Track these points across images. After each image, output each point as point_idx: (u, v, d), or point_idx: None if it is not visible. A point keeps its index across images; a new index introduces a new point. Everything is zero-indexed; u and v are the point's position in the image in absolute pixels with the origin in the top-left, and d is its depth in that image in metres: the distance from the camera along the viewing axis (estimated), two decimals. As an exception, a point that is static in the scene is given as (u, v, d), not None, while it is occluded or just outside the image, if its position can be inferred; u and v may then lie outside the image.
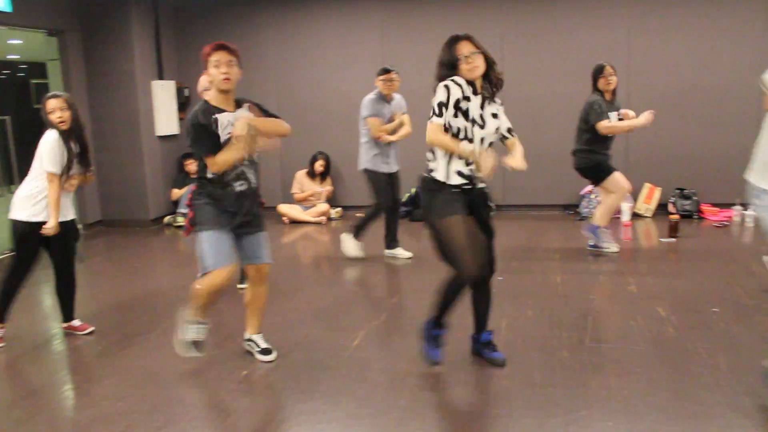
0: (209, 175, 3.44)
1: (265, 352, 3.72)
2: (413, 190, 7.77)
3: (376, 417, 3.05)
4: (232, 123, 3.39)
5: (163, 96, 8.32)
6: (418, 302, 4.48)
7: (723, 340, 3.84)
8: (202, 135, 3.37)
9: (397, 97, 5.89)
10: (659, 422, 2.90)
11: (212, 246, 3.42)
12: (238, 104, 3.55)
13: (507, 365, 3.51)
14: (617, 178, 5.77)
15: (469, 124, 3.28)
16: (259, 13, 8.53)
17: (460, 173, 3.30)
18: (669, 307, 4.42)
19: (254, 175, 3.55)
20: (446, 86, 3.24)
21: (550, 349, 3.63)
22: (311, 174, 8.31)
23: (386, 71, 5.78)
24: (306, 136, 8.41)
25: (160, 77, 8.35)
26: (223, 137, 3.38)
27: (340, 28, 8.38)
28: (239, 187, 3.47)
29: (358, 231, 5.94)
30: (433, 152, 3.36)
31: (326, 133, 8.34)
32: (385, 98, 5.78)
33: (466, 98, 3.26)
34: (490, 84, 3.38)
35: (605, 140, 5.74)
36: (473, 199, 3.36)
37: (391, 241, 6.04)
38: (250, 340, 3.78)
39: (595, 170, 5.81)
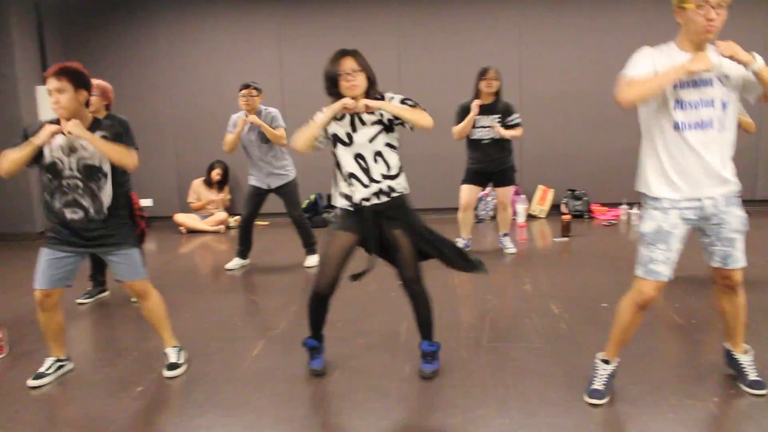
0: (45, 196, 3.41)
1: (171, 367, 3.59)
2: (312, 197, 7.73)
3: (276, 428, 2.99)
4: (64, 146, 3.32)
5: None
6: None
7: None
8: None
9: (272, 112, 5.70)
10: (554, 416, 2.98)
11: (39, 265, 3.39)
12: (98, 126, 3.39)
13: (405, 368, 3.53)
14: (461, 191, 5.91)
15: (336, 150, 3.32)
16: (151, 16, 8.29)
17: (343, 194, 3.35)
18: (562, 304, 4.58)
19: (93, 203, 3.35)
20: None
21: (448, 351, 3.67)
22: (208, 182, 8.14)
23: (244, 87, 5.65)
24: (203, 144, 8.25)
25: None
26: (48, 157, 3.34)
27: (236, 34, 8.25)
28: (71, 214, 3.34)
29: (241, 249, 5.99)
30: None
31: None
32: (247, 115, 5.66)
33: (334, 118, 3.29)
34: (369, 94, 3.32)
35: (476, 148, 5.82)
36: (376, 216, 3.32)
37: (240, 254, 6.02)
38: (165, 352, 3.67)
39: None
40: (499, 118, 5.76)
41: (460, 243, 6.04)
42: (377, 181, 3.29)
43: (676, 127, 2.81)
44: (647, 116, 2.94)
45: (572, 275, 5.44)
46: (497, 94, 5.76)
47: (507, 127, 5.78)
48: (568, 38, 7.93)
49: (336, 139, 3.31)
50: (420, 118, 3.25)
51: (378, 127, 3.30)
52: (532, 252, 6.43)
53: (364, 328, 4.22)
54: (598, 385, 3.11)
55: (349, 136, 3.28)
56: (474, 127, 5.76)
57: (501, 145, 5.83)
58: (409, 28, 7.99)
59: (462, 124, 5.67)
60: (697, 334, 4.04)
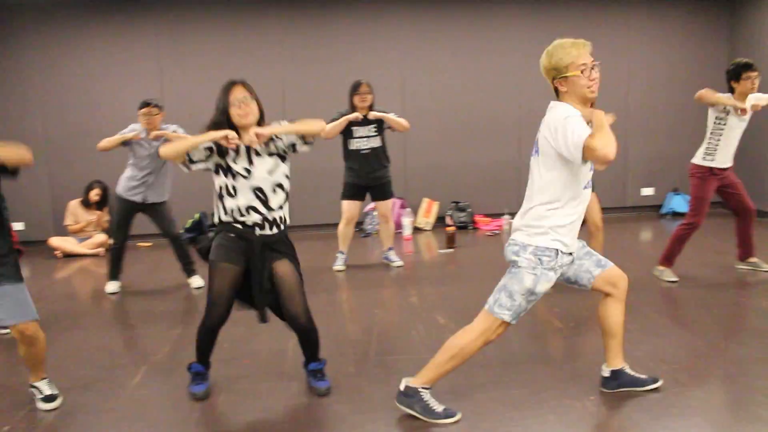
0: None
1: (49, 399, 3.38)
2: (197, 216, 7.54)
3: (158, 457, 2.88)
4: None
5: None
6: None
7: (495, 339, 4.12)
8: None
9: (174, 129, 5.55)
10: (441, 426, 3.03)
11: None
12: None
13: (293, 386, 3.50)
14: (343, 206, 5.98)
15: (229, 180, 3.25)
16: (17, 23, 7.84)
17: (229, 222, 3.30)
18: (447, 314, 4.68)
19: None
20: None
21: (336, 366, 3.67)
22: (86, 203, 7.77)
23: (144, 105, 5.46)
24: (79, 163, 7.89)
25: None
26: None
27: (114, 48, 7.94)
28: None
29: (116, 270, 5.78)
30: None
31: (102, 160, 7.82)
32: (146, 132, 5.48)
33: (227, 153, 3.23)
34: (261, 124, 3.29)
35: (354, 159, 5.86)
36: (264, 247, 3.28)
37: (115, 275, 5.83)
38: (33, 386, 3.43)
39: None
40: (376, 126, 5.84)
41: (340, 258, 6.08)
42: (274, 210, 3.28)
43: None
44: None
45: (457, 286, 5.57)
46: (371, 107, 5.82)
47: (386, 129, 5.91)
48: (450, 54, 8.16)
49: (231, 172, 3.23)
50: (311, 126, 3.29)
51: (275, 159, 3.29)
52: (418, 264, 6.54)
53: (250, 347, 4.15)
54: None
55: (248, 170, 3.23)
56: (352, 137, 5.81)
57: (379, 155, 5.89)
58: (293, 43, 7.98)
59: (335, 123, 5.66)
60: (575, 337, 4.23)
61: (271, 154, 3.28)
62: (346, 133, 5.83)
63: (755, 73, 5.07)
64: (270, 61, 7.89)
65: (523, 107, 7.83)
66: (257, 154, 3.26)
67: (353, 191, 5.99)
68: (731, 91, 5.17)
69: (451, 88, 8.18)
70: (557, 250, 2.93)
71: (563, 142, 2.76)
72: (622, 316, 3.24)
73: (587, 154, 2.68)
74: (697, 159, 5.32)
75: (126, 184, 5.59)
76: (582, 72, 2.83)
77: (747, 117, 5.21)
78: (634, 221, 8.10)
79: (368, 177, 5.90)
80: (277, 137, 3.29)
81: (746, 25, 8.32)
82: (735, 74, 5.12)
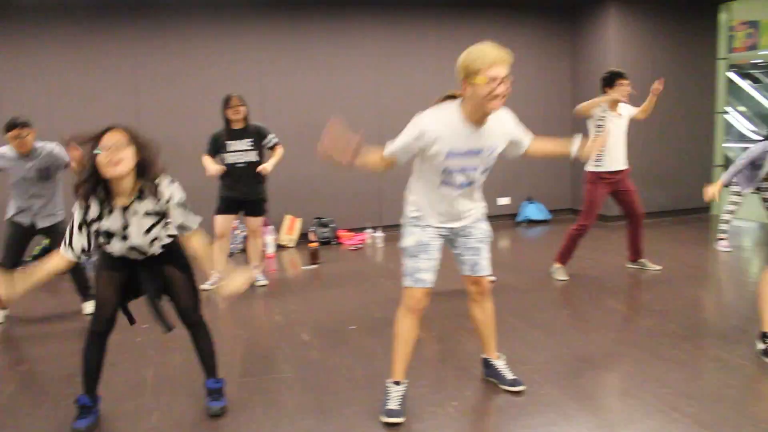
0: None
1: None
2: (46, 242, 7.07)
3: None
4: None
5: None
6: (56, 367, 4.09)
7: (360, 354, 4.15)
8: None
9: (50, 148, 5.07)
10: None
11: None
12: None
13: (153, 416, 3.35)
14: (215, 221, 5.85)
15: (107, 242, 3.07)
16: None
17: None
18: (312, 331, 4.65)
19: None
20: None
21: (198, 391, 3.54)
22: None
23: (10, 127, 4.86)
24: None
25: None
26: None
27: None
28: None
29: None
30: None
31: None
32: (19, 154, 4.98)
33: (98, 218, 3.00)
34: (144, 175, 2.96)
35: (229, 173, 5.73)
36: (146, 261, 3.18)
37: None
38: None
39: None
40: (252, 141, 5.73)
41: (212, 277, 5.90)
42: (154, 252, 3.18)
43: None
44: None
45: (321, 302, 5.56)
46: (246, 119, 5.72)
47: (267, 149, 5.82)
48: (308, 66, 8.14)
49: (108, 235, 3.03)
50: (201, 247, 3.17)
51: (153, 218, 3.06)
52: (282, 282, 6.46)
53: (107, 378, 3.91)
54: (392, 405, 3.20)
55: (125, 231, 3.02)
56: (227, 151, 5.69)
57: (256, 170, 5.78)
58: (147, 61, 7.68)
59: (209, 163, 5.62)
60: (437, 345, 4.33)
61: (148, 213, 3.03)
62: (221, 147, 5.69)
63: (627, 81, 5.52)
64: (123, 81, 7.56)
65: (383, 120, 7.96)
66: (134, 212, 3.00)
67: (228, 205, 5.83)
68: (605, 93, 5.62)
69: (310, 102, 8.17)
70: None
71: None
72: (486, 314, 3.50)
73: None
74: (588, 166, 5.72)
75: (16, 208, 5.13)
76: (488, 83, 2.80)
77: (624, 120, 5.69)
78: (492, 230, 8.34)
79: (243, 192, 5.77)
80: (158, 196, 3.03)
81: (586, 40, 8.93)
82: (609, 81, 5.58)
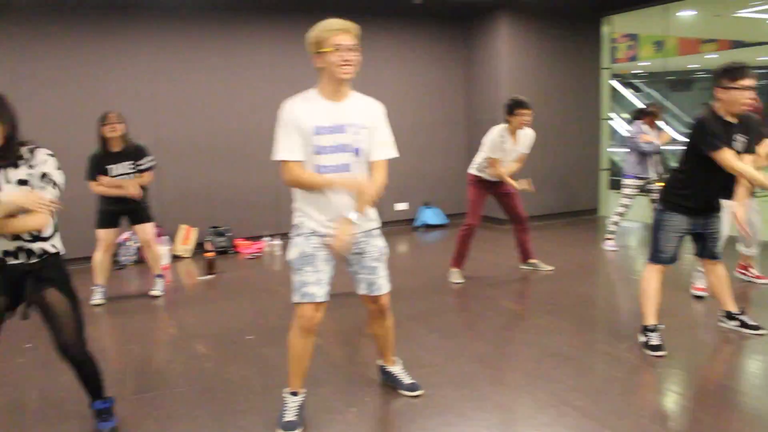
0: None
1: None
2: None
3: None
4: None
5: None
6: None
7: (257, 363, 4.09)
8: None
9: None
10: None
11: None
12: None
13: None
14: (97, 235, 5.67)
15: None
16: None
17: None
18: (208, 342, 4.54)
19: None
20: None
21: (86, 413, 3.37)
22: None
23: None
24: None
25: None
26: None
27: None
28: None
29: None
30: None
31: None
32: None
33: None
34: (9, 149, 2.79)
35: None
36: (26, 276, 2.91)
37: None
38: None
39: None
40: (132, 163, 5.52)
41: (98, 292, 5.66)
42: (27, 241, 2.88)
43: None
44: None
45: (218, 312, 5.43)
46: (124, 137, 5.51)
47: (141, 171, 5.58)
48: (202, 74, 7.95)
49: None
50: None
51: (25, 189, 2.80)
52: (177, 294, 6.27)
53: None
54: (289, 416, 3.15)
55: None
56: (110, 176, 5.47)
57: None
58: (21, 65, 7.27)
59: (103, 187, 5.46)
60: (334, 353, 4.32)
61: (20, 181, 2.79)
62: (102, 171, 5.46)
63: (527, 111, 5.63)
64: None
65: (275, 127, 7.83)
66: (6, 181, 2.77)
67: (108, 218, 5.61)
68: (507, 122, 5.72)
69: (203, 109, 7.98)
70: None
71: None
72: (385, 329, 3.48)
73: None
74: (472, 169, 5.91)
75: None
76: (336, 50, 2.87)
77: (519, 148, 5.82)
78: (389, 235, 8.43)
79: (123, 202, 5.56)
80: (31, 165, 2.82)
81: (480, 48, 9.17)
82: (509, 110, 5.68)
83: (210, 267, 6.77)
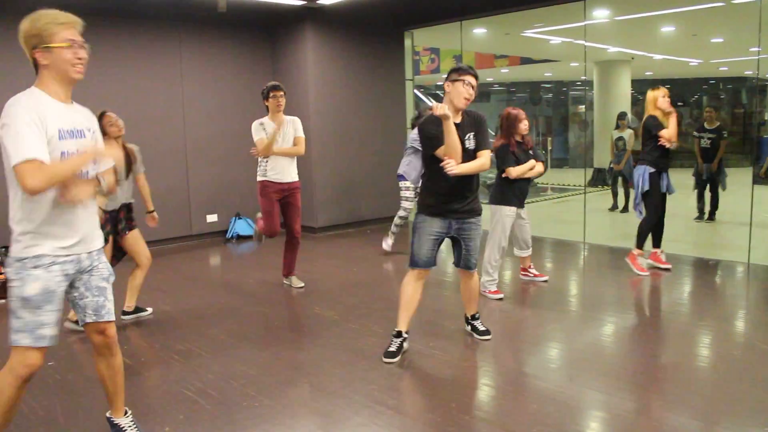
0: None
1: None
2: None
3: None
4: None
5: None
6: None
7: (59, 391, 3.81)
8: None
9: None
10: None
11: None
12: None
13: None
14: None
15: None
16: None
17: None
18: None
19: None
20: None
21: None
22: None
23: None
24: None
25: None
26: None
27: None
28: None
29: None
30: None
31: None
32: None
33: None
34: None
35: None
36: None
37: None
38: None
39: None
40: None
41: None
42: None
43: None
44: None
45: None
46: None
47: None
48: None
49: None
50: None
51: None
52: None
53: None
54: None
55: None
56: None
57: None
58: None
59: None
60: (151, 369, 4.14)
61: None
62: None
63: (280, 93, 5.72)
64: None
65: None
66: None
67: None
68: (267, 109, 5.80)
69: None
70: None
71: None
72: (113, 370, 2.98)
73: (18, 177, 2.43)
74: (258, 176, 5.86)
75: None
76: (70, 46, 2.57)
77: (291, 131, 5.82)
78: (201, 248, 8.24)
79: None
80: None
81: (287, 58, 9.20)
82: (265, 94, 5.77)
83: (2, 291, 6.18)
